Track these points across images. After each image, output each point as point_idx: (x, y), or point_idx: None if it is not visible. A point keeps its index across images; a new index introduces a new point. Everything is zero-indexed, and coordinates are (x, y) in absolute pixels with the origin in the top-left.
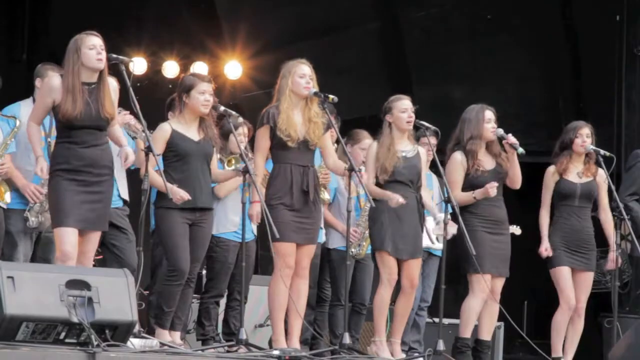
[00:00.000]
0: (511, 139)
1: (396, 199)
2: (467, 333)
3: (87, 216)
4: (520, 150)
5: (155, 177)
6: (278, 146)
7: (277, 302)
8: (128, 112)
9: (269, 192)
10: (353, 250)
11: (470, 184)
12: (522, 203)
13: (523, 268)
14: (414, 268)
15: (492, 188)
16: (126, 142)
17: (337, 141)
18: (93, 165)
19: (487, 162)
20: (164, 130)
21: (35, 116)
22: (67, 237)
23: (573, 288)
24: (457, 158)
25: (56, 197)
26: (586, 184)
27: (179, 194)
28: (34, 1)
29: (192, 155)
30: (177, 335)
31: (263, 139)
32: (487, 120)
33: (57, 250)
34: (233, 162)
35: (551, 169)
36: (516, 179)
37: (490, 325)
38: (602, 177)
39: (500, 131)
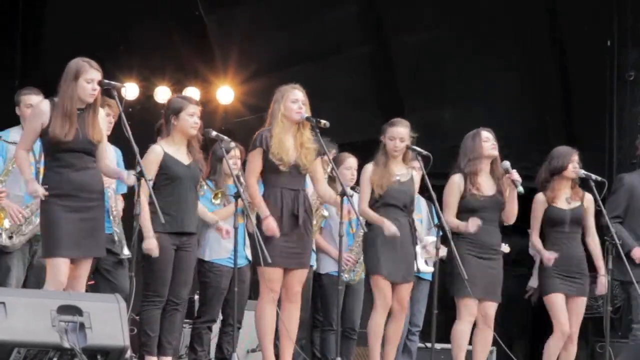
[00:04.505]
0: (514, 175)
1: (392, 230)
2: (461, 359)
3: (82, 243)
4: (520, 189)
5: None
6: (270, 170)
7: (264, 327)
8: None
9: (260, 216)
10: (346, 276)
11: (467, 208)
12: (512, 227)
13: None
14: (405, 292)
15: (474, 226)
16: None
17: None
18: (84, 190)
19: (488, 187)
20: (157, 152)
21: (24, 142)
22: (63, 268)
23: (567, 315)
24: (455, 180)
25: (50, 225)
26: (575, 209)
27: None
28: (27, 27)
29: (183, 179)
30: None
31: (255, 161)
32: (485, 139)
33: (52, 280)
34: (219, 196)
35: (540, 197)
36: (511, 215)
37: (484, 351)
38: (590, 201)
39: (507, 164)
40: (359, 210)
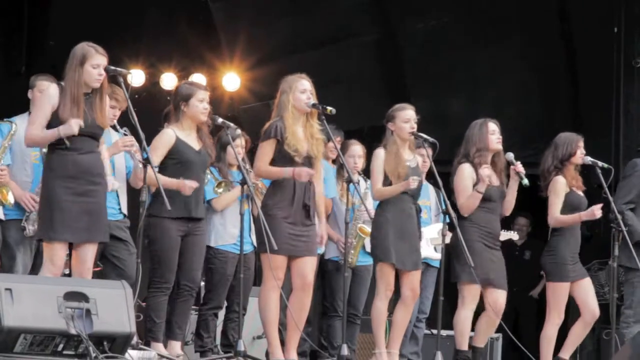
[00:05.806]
0: (519, 167)
1: (410, 181)
2: (464, 345)
3: (83, 228)
4: (525, 181)
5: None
6: (284, 161)
7: (269, 314)
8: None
9: (268, 202)
10: (342, 258)
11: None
12: (521, 214)
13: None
14: (417, 278)
15: (484, 171)
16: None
17: (335, 160)
18: (88, 173)
19: (493, 178)
20: (169, 135)
21: (39, 125)
22: (61, 253)
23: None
24: (466, 169)
25: (52, 207)
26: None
27: (188, 185)
28: (33, 13)
29: (194, 164)
30: (177, 345)
31: (267, 151)
32: (492, 132)
33: (50, 265)
34: (223, 185)
35: (562, 179)
36: (510, 207)
37: (487, 335)
38: None
39: (511, 155)
40: (375, 192)
